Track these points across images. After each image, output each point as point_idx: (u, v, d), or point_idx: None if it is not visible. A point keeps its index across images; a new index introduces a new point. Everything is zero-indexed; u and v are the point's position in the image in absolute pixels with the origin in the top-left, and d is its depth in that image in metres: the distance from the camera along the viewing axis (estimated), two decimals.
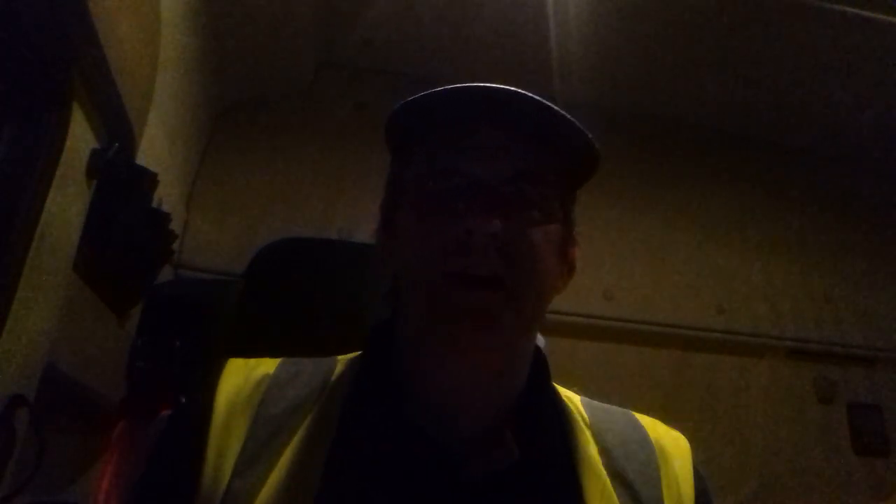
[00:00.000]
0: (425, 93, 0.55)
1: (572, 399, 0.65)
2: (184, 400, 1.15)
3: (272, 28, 1.56)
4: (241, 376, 0.58)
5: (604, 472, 0.57)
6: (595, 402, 0.66)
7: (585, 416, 0.62)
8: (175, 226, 1.22)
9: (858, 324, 2.00)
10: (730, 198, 2.05)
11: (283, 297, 1.33)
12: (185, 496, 0.51)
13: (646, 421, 0.65)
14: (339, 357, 0.63)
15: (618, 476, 0.57)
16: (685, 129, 2.08)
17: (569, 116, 0.55)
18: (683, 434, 0.66)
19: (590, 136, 0.56)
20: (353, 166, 1.75)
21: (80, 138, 0.76)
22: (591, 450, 0.58)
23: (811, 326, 1.96)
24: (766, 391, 1.87)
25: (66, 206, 0.74)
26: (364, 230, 1.65)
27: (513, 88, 0.53)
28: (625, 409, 0.66)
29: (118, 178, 0.87)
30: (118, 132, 0.87)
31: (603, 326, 1.80)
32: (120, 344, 1.12)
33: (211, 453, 0.53)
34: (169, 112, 1.23)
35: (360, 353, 0.63)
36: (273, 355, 0.63)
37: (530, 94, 0.53)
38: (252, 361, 0.61)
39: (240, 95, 1.73)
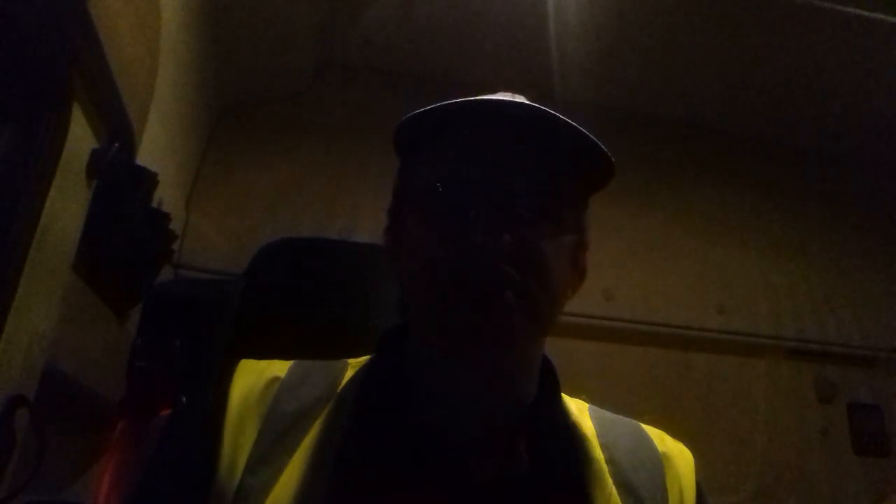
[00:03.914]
0: (442, 104, 0.55)
1: (580, 408, 0.65)
2: (184, 400, 1.15)
3: (272, 28, 1.56)
4: (254, 376, 0.60)
5: (610, 481, 0.58)
6: (603, 412, 0.66)
7: (593, 426, 0.63)
8: (175, 226, 1.22)
9: (858, 324, 1.99)
10: (730, 198, 2.05)
11: (283, 297, 1.34)
12: (200, 491, 0.52)
13: (653, 432, 0.66)
14: (350, 361, 0.64)
15: (624, 485, 0.58)
16: (685, 129, 2.07)
17: (584, 131, 0.55)
18: (683, 434, 0.66)
19: (604, 148, 0.56)
20: (353, 166, 1.75)
21: (80, 138, 0.76)
22: (599, 459, 0.59)
23: (811, 326, 1.96)
24: (765, 391, 1.87)
25: (66, 206, 0.74)
26: (364, 230, 1.66)
27: (531, 103, 0.54)
28: (632, 420, 0.67)
29: (118, 178, 0.87)
30: (118, 132, 0.87)
31: (603, 326, 1.79)
32: (120, 344, 1.12)
33: (225, 450, 0.54)
34: (169, 112, 1.23)
35: (370, 357, 0.63)
36: (273, 355, 0.64)
37: (547, 110, 0.54)
38: (263, 363, 0.62)
39: (240, 95, 1.73)
